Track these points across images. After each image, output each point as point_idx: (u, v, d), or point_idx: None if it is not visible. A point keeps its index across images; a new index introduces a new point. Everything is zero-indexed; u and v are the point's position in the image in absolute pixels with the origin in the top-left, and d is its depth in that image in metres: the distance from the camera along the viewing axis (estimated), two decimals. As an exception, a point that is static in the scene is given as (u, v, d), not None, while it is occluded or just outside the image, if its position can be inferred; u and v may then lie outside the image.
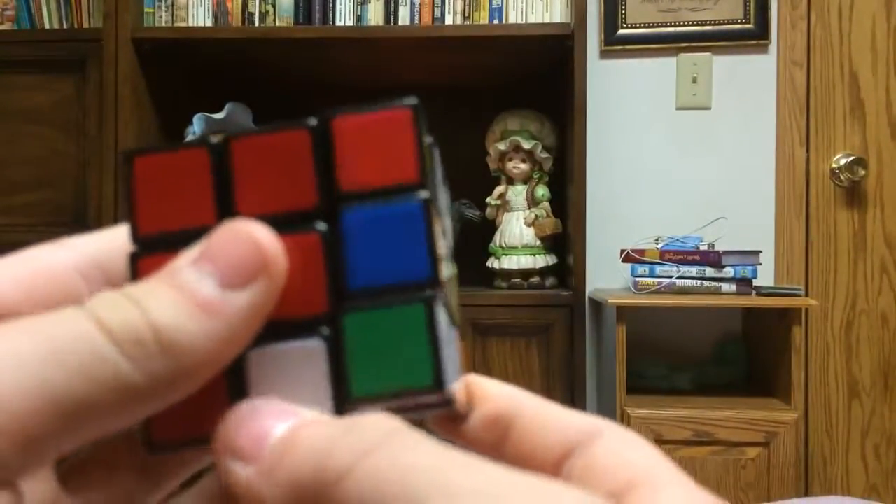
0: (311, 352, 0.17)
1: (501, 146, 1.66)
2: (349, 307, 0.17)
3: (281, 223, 0.17)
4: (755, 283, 1.57)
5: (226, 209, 0.18)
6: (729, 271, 1.54)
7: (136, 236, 0.18)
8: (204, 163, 0.18)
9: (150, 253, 0.18)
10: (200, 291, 0.16)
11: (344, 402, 0.17)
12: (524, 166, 1.66)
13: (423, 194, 0.17)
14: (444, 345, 0.17)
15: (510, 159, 1.67)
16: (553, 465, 0.18)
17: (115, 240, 0.19)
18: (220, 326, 0.15)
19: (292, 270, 0.17)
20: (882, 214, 1.88)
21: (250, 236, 0.16)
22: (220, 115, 1.59)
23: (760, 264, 1.58)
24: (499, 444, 0.19)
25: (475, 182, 1.75)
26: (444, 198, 0.20)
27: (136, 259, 0.18)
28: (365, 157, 0.17)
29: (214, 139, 0.18)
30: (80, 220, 1.61)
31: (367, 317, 0.17)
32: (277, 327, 0.17)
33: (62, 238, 0.19)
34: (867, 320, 1.87)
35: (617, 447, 0.17)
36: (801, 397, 1.54)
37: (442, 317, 0.17)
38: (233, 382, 0.17)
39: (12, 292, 0.17)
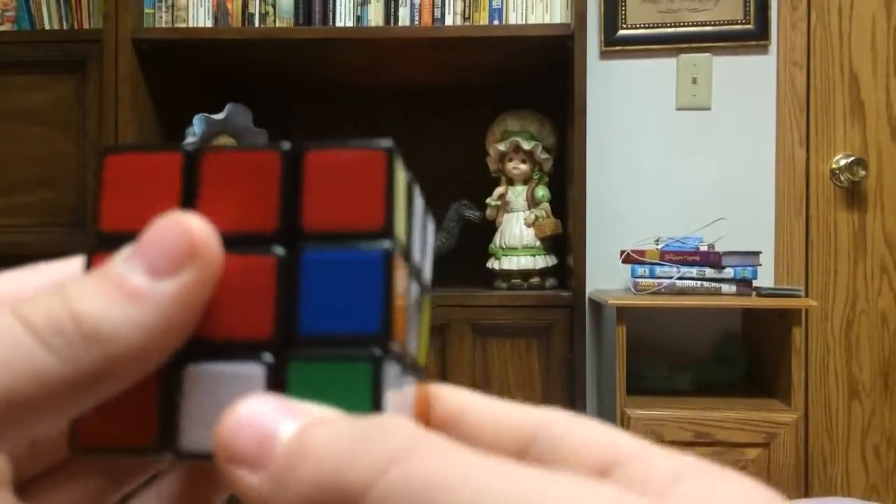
0: (249, 376, 0.17)
1: (501, 147, 1.66)
2: (296, 354, 0.16)
3: (239, 242, 0.17)
4: (755, 283, 1.57)
5: None
6: (729, 272, 1.54)
7: (96, 231, 0.18)
8: (176, 169, 0.18)
9: (105, 250, 0.17)
10: (127, 280, 0.15)
11: None
12: (524, 167, 1.66)
13: (386, 244, 0.16)
14: (387, 402, 0.16)
15: (510, 160, 1.67)
16: (514, 455, 0.17)
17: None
18: (146, 314, 0.15)
19: (242, 291, 0.17)
20: (882, 215, 1.88)
21: (180, 224, 0.16)
22: (220, 116, 1.59)
23: (760, 265, 1.58)
24: None
25: (475, 182, 1.75)
26: (425, 233, 0.20)
27: (91, 254, 0.18)
28: (333, 198, 0.17)
29: (189, 146, 0.18)
30: (79, 221, 1.61)
31: (312, 368, 0.16)
32: (219, 346, 0.17)
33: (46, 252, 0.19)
34: (867, 320, 1.87)
35: (581, 430, 0.17)
36: (801, 398, 1.55)
37: (392, 371, 0.16)
38: (164, 394, 0.17)
39: None
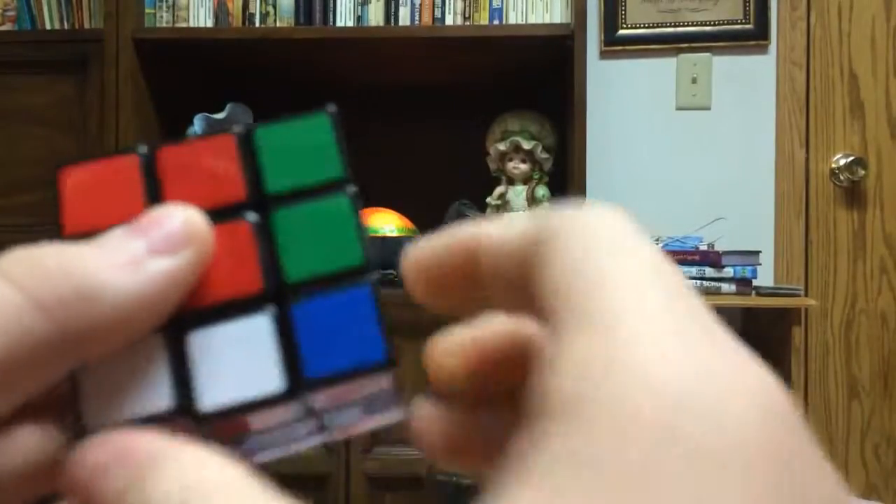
0: (255, 329, 0.17)
1: (502, 146, 1.66)
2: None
3: (212, 216, 0.18)
4: (755, 283, 1.57)
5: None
6: (728, 271, 1.54)
7: (61, 238, 0.18)
8: (134, 168, 0.18)
9: None
10: (126, 249, 0.16)
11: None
12: (524, 167, 1.66)
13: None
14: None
15: (510, 160, 1.67)
16: (520, 292, 0.16)
17: None
18: (140, 283, 0.16)
19: (224, 256, 0.17)
20: (881, 214, 1.88)
21: (180, 211, 0.17)
22: (220, 116, 1.59)
23: (760, 264, 1.59)
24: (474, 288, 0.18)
25: (475, 182, 1.76)
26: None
27: None
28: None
29: (142, 147, 0.19)
30: (80, 220, 1.62)
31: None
32: (216, 310, 0.17)
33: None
34: (867, 320, 1.87)
35: (556, 259, 0.15)
36: (800, 397, 1.55)
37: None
38: (175, 365, 0.17)
39: None
